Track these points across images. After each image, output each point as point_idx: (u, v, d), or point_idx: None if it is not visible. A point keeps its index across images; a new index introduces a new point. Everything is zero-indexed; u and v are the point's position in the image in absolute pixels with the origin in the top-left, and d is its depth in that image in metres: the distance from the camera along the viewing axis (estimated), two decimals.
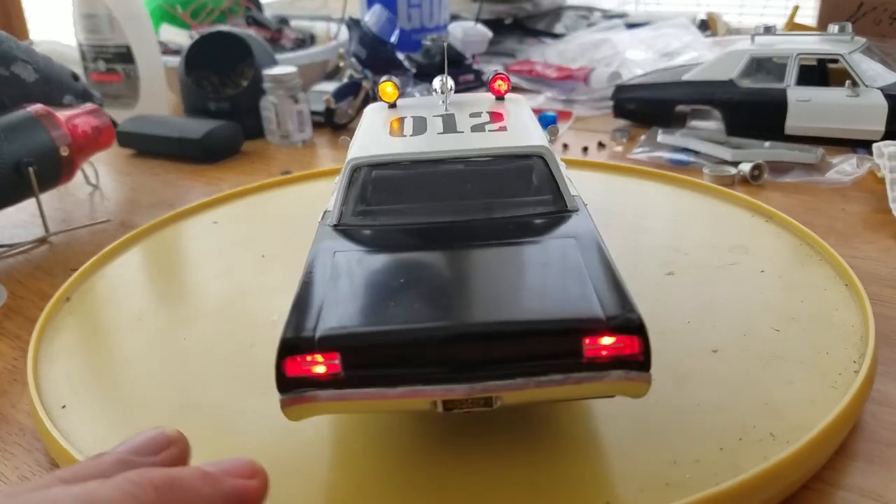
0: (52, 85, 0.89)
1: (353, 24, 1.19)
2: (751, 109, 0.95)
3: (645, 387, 0.37)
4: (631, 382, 0.36)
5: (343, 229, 0.47)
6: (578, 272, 0.40)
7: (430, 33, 1.34)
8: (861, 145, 0.90)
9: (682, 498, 0.36)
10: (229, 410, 0.47)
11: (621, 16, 1.69)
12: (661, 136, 0.97)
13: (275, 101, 1.04)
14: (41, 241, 0.77)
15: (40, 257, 0.74)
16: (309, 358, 0.36)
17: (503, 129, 0.52)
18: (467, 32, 1.30)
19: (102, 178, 0.94)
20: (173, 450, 0.34)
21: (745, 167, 0.84)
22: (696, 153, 0.92)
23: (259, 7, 1.48)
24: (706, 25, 1.55)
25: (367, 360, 0.36)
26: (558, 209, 0.48)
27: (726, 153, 0.89)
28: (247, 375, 0.50)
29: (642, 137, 0.99)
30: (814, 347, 0.50)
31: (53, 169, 0.76)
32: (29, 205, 0.77)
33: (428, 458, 0.42)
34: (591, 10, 1.73)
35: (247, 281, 0.64)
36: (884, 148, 0.78)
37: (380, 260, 0.43)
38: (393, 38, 1.15)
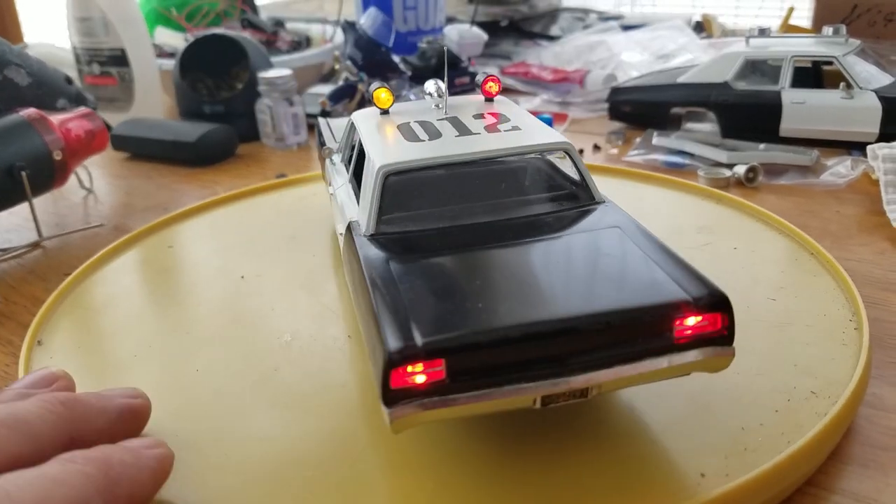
0: (46, 89, 0.89)
1: (349, 26, 1.19)
2: (745, 111, 0.95)
3: (729, 360, 0.38)
4: (717, 358, 0.38)
5: (383, 238, 0.46)
6: (643, 259, 0.42)
7: (426, 36, 1.34)
8: (855, 147, 0.90)
9: (767, 460, 0.38)
10: (227, 414, 0.47)
11: (617, 18, 1.69)
12: (657, 139, 0.97)
13: (270, 103, 1.03)
14: (34, 245, 0.77)
15: (33, 262, 0.74)
16: (413, 368, 0.35)
17: (516, 128, 0.52)
18: (463, 35, 1.30)
19: (96, 181, 0.94)
20: (61, 383, 0.42)
21: (740, 169, 0.84)
22: (692, 155, 0.92)
23: (254, 9, 1.48)
24: (701, 27, 1.55)
25: (472, 363, 0.36)
26: (589, 201, 0.49)
27: (721, 155, 0.89)
28: (242, 375, 0.50)
29: (637, 140, 0.99)
30: (807, 351, 0.50)
31: (47, 173, 0.76)
32: (22, 209, 0.76)
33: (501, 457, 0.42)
34: (586, 12, 1.73)
35: (244, 283, 0.64)
36: (878, 150, 0.78)
37: (442, 264, 0.43)
38: (389, 41, 1.15)
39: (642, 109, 1.06)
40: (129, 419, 0.41)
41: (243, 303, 0.61)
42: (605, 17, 1.70)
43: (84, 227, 0.81)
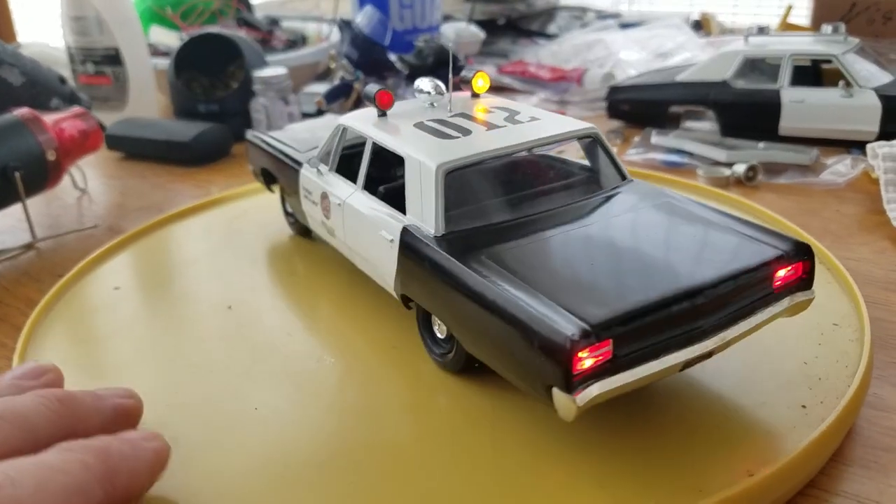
0: (39, 88, 0.88)
1: (345, 25, 1.18)
2: (745, 110, 0.95)
3: (810, 302, 0.44)
4: (803, 301, 0.44)
5: (456, 236, 0.46)
6: (716, 224, 0.46)
7: (423, 34, 1.33)
8: (855, 146, 0.90)
9: (770, 464, 0.38)
10: (221, 414, 0.46)
11: (615, 16, 1.69)
12: (655, 138, 0.96)
13: (265, 102, 1.03)
14: (28, 246, 0.76)
15: (27, 263, 0.73)
16: (589, 350, 0.36)
17: (534, 118, 0.54)
18: (460, 33, 1.29)
19: (90, 181, 0.93)
20: (50, 375, 0.43)
21: (740, 168, 0.83)
22: (690, 154, 0.92)
23: (249, 8, 1.47)
24: (700, 26, 1.55)
25: (634, 339, 0.38)
26: (623, 180, 0.53)
27: (720, 154, 0.88)
28: (235, 374, 0.50)
29: (636, 139, 0.99)
30: (809, 352, 0.49)
31: (40, 173, 0.75)
32: (15, 210, 0.76)
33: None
34: (584, 10, 1.72)
35: (239, 284, 0.63)
36: (878, 149, 0.78)
37: (539, 251, 0.45)
38: (385, 40, 1.14)
39: (641, 108, 1.05)
40: (123, 418, 0.42)
41: (239, 304, 0.60)
42: (602, 16, 1.70)
43: (78, 228, 0.80)
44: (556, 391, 0.37)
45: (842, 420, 0.41)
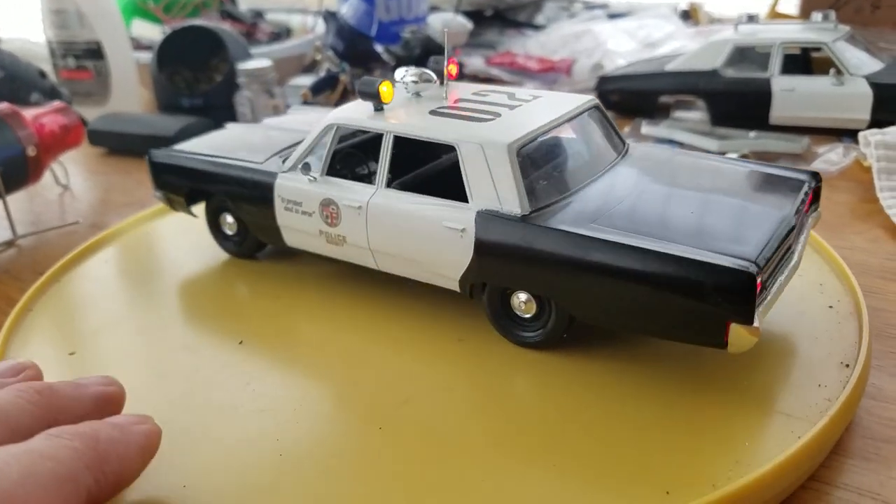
0: (19, 83, 0.87)
1: (330, 16, 1.17)
2: (735, 99, 0.94)
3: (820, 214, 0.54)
4: (817, 214, 0.53)
5: (546, 211, 0.47)
6: (743, 166, 0.54)
7: (409, 25, 1.32)
8: (846, 134, 0.89)
9: (772, 458, 0.37)
10: (207, 410, 0.45)
11: (602, 6, 1.68)
12: (646, 128, 0.95)
13: (250, 95, 1.01)
14: (8, 244, 0.74)
15: (7, 261, 0.72)
16: (760, 280, 0.40)
17: (535, 97, 0.55)
18: (447, 24, 1.28)
19: (73, 177, 0.92)
20: (29, 372, 0.42)
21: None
22: (681, 144, 0.91)
23: (233, 0, 1.46)
24: (688, 15, 1.54)
25: (767, 268, 0.42)
26: (626, 142, 0.57)
27: (712, 144, 0.87)
28: (222, 369, 0.48)
29: (626, 129, 0.98)
30: (809, 344, 0.48)
31: (20, 170, 0.74)
32: None
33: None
34: (571, 0, 1.71)
35: (223, 281, 0.62)
36: (870, 137, 0.77)
37: (638, 209, 0.47)
38: (371, 31, 1.13)
39: (630, 98, 1.04)
40: (105, 407, 0.40)
41: (224, 298, 0.59)
42: (590, 6, 1.69)
43: (60, 224, 0.79)
44: (734, 326, 0.40)
45: (843, 412, 0.41)
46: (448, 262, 0.50)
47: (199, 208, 0.66)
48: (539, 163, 0.49)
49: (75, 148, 0.82)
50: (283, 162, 0.58)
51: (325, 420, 0.44)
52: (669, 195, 0.49)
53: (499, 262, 0.47)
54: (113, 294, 0.61)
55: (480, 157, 0.47)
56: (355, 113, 0.55)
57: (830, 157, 0.83)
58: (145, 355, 0.52)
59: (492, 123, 0.50)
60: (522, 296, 0.49)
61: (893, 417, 0.44)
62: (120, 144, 1.01)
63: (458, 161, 0.49)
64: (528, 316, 0.49)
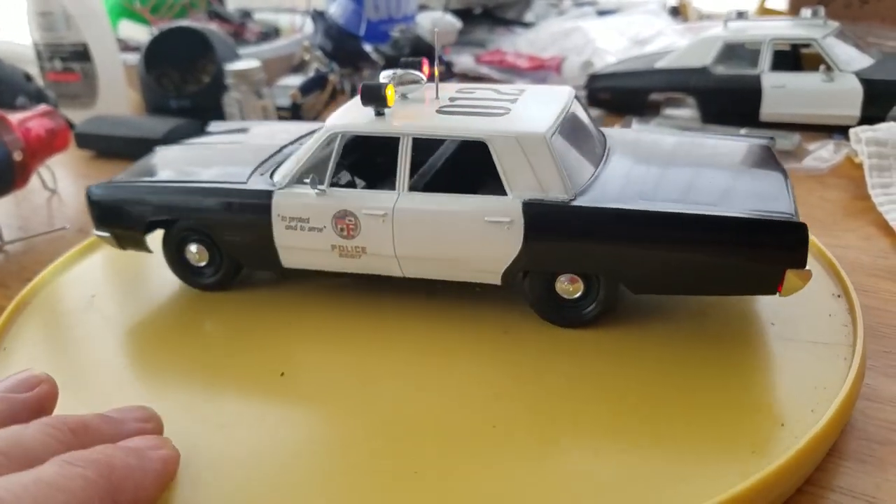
0: (4, 86, 0.86)
1: (319, 16, 1.16)
2: (725, 96, 0.94)
3: None
4: None
5: (589, 191, 0.50)
6: (707, 138, 0.61)
7: (398, 24, 1.31)
8: (837, 130, 0.89)
9: (772, 462, 0.37)
10: (203, 420, 0.45)
11: (591, 3, 1.67)
12: (636, 126, 0.95)
13: (238, 97, 1.00)
14: None
15: None
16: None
17: (521, 90, 0.57)
18: (436, 23, 1.28)
19: (60, 181, 0.91)
20: (44, 387, 0.40)
21: None
22: None
23: (221, 0, 1.45)
24: (677, 11, 1.54)
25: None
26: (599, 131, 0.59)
27: None
28: (215, 376, 0.48)
29: (617, 127, 0.97)
30: (802, 345, 0.48)
31: (6, 175, 0.73)
32: None
33: None
34: None
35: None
36: (861, 133, 0.77)
37: (668, 180, 0.51)
38: (360, 31, 1.13)
39: (621, 96, 1.04)
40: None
41: (215, 304, 0.59)
42: (579, 3, 1.68)
43: (47, 230, 0.78)
44: (789, 273, 0.46)
45: (839, 415, 0.40)
46: (491, 257, 0.51)
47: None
48: (564, 150, 0.50)
49: (62, 152, 0.81)
50: (271, 178, 0.56)
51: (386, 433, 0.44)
52: (675, 169, 0.53)
53: (551, 248, 0.49)
54: (103, 300, 0.61)
55: (517, 150, 0.49)
56: (355, 118, 0.53)
57: (821, 154, 0.83)
58: (136, 364, 0.52)
59: (510, 116, 0.51)
60: (568, 279, 0.51)
61: (889, 419, 0.44)
62: (107, 147, 1.01)
63: (472, 156, 0.52)
64: (576, 297, 0.51)
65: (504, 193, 0.49)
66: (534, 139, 0.48)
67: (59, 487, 0.30)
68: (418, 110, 0.53)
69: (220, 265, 0.59)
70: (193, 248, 0.59)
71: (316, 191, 0.53)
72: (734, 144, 0.58)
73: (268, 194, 0.54)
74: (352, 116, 0.54)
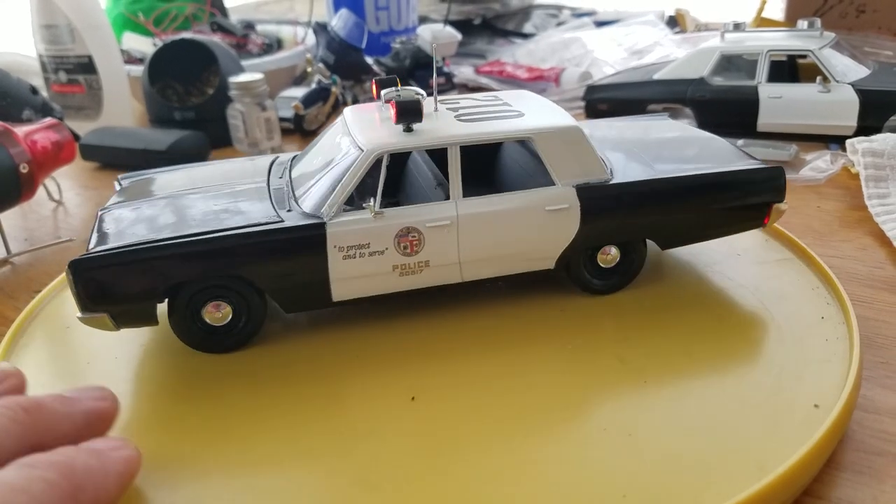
0: (10, 99, 0.86)
1: (321, 28, 1.17)
2: (722, 107, 0.95)
3: None
4: None
5: (620, 171, 0.58)
6: (643, 119, 0.74)
7: (399, 36, 1.32)
8: (833, 141, 0.90)
9: (768, 474, 0.38)
10: (207, 431, 0.45)
11: (590, 13, 1.68)
12: None
13: (242, 108, 1.01)
14: (2, 262, 0.74)
15: (2, 279, 0.72)
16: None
17: (508, 96, 0.62)
18: (437, 35, 1.29)
19: (66, 192, 0.92)
20: (11, 381, 0.40)
21: None
22: None
23: (224, 12, 1.46)
24: (675, 22, 1.55)
25: None
26: None
27: None
28: (219, 388, 0.49)
29: None
30: (798, 357, 0.49)
31: (13, 187, 0.74)
32: None
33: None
34: (559, 8, 1.72)
35: None
36: (857, 144, 0.78)
37: (665, 149, 0.63)
38: (361, 43, 1.14)
39: (619, 107, 1.05)
40: (96, 423, 0.39)
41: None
42: (578, 14, 1.69)
43: (54, 241, 0.79)
44: (776, 205, 0.58)
45: (836, 426, 0.41)
46: (551, 243, 0.55)
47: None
48: None
49: (68, 164, 0.82)
50: (301, 212, 0.53)
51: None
52: (649, 146, 0.62)
53: (601, 225, 0.55)
54: None
55: (559, 143, 0.54)
56: (389, 137, 0.53)
57: (818, 165, 0.84)
58: (143, 377, 0.52)
59: (536, 115, 0.56)
60: (613, 249, 0.58)
61: (885, 430, 0.44)
62: (112, 159, 1.01)
63: (498, 154, 0.60)
64: (614, 265, 0.58)
65: (544, 184, 0.55)
66: (573, 131, 0.55)
67: (19, 489, 0.31)
68: (439, 122, 0.54)
69: (247, 319, 0.54)
70: (214, 306, 0.53)
71: (374, 214, 0.52)
72: (654, 121, 0.71)
73: (319, 227, 0.51)
74: (383, 135, 0.53)
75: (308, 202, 0.53)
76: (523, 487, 0.39)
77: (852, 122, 0.88)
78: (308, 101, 1.09)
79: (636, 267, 0.59)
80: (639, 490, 0.39)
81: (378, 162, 0.52)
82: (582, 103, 1.09)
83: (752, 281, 0.59)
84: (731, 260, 0.63)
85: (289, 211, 0.53)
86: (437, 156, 0.59)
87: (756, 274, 0.60)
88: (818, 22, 0.96)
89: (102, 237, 0.52)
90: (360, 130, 0.55)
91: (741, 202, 0.57)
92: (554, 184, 0.54)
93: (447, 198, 0.53)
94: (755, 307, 0.55)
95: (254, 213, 0.53)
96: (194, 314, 0.53)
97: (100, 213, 0.56)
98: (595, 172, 0.55)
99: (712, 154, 0.60)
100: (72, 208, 0.89)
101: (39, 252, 0.77)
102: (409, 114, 0.52)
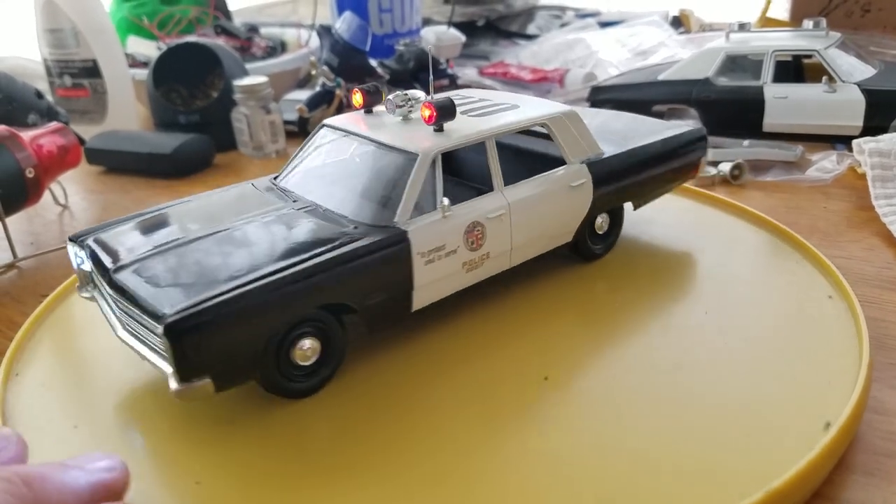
0: (16, 104, 0.87)
1: (325, 31, 1.17)
2: (728, 108, 0.95)
3: None
4: None
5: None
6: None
7: (403, 38, 1.32)
8: (839, 141, 0.90)
9: (778, 476, 0.37)
10: (219, 434, 0.45)
11: (594, 14, 1.68)
12: None
13: (246, 111, 1.02)
14: (9, 266, 0.74)
15: (8, 283, 0.72)
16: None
17: (489, 93, 0.66)
18: (440, 37, 1.29)
19: (71, 196, 0.92)
20: (11, 449, 0.37)
21: (725, 167, 0.83)
22: None
23: (228, 16, 1.46)
24: (679, 22, 1.55)
25: None
26: None
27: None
28: (229, 397, 0.49)
29: None
30: (808, 359, 0.49)
31: (19, 192, 0.74)
32: None
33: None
34: (563, 9, 1.72)
35: None
36: (864, 144, 0.78)
37: (619, 130, 0.69)
38: (365, 45, 1.14)
39: (624, 108, 1.04)
40: (104, 496, 0.36)
41: None
42: (581, 14, 1.69)
43: (60, 245, 0.79)
44: (701, 157, 0.68)
45: (846, 428, 0.41)
46: (573, 217, 0.61)
47: None
48: None
49: (73, 168, 0.82)
50: (366, 225, 0.50)
51: None
52: (607, 125, 0.70)
53: (604, 194, 0.61)
54: None
55: (568, 125, 0.60)
56: (429, 138, 0.53)
57: (824, 165, 0.84)
58: (150, 380, 0.52)
59: (529, 106, 0.60)
60: (603, 217, 0.64)
61: (895, 431, 0.44)
62: (117, 163, 1.02)
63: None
64: (604, 230, 0.65)
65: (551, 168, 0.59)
66: (574, 114, 0.60)
67: None
68: (456, 121, 0.55)
69: (331, 353, 0.50)
70: (307, 343, 0.48)
71: (444, 214, 0.51)
72: (596, 110, 0.82)
73: (402, 235, 0.50)
74: (420, 137, 0.53)
75: (365, 214, 0.51)
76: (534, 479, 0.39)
77: (858, 122, 0.88)
78: (312, 103, 1.09)
79: (619, 229, 0.66)
80: (645, 488, 0.38)
81: (437, 162, 0.52)
82: (587, 104, 1.09)
83: (759, 281, 0.59)
84: (737, 260, 0.63)
85: (356, 228, 0.50)
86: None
87: (763, 274, 0.60)
88: (823, 21, 0.95)
89: (164, 294, 0.44)
90: (392, 137, 0.54)
91: (685, 159, 0.67)
92: (566, 163, 0.59)
93: (492, 189, 0.55)
94: (762, 308, 0.55)
95: (322, 234, 0.50)
96: (284, 356, 0.47)
97: (117, 275, 0.47)
98: (594, 149, 0.61)
99: (653, 127, 0.68)
100: (77, 212, 0.89)
101: (45, 256, 0.77)
102: (445, 114, 0.53)
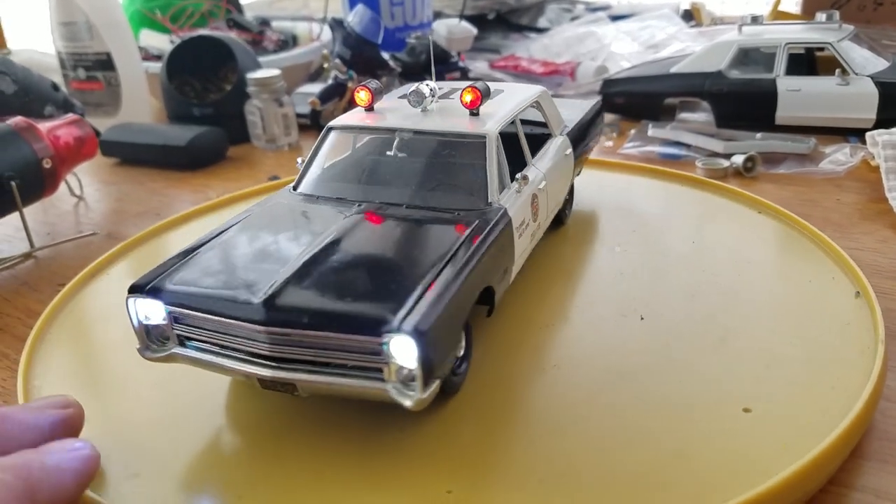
0: (32, 96, 0.87)
1: (337, 24, 1.18)
2: (740, 100, 0.95)
3: None
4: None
5: None
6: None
7: (414, 31, 1.33)
8: (852, 133, 0.90)
9: (794, 462, 0.38)
10: (227, 425, 0.46)
11: (605, 8, 1.68)
12: (652, 130, 0.96)
13: (259, 104, 1.02)
14: (26, 256, 0.75)
15: (26, 273, 0.73)
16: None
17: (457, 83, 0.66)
18: (452, 30, 1.29)
19: (87, 188, 0.93)
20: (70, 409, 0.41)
21: (738, 159, 0.83)
22: (688, 146, 0.92)
23: (239, 9, 1.46)
24: (690, 15, 1.55)
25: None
26: None
27: (718, 145, 0.88)
28: (239, 384, 0.49)
29: (632, 132, 0.98)
30: (824, 348, 0.49)
31: (36, 182, 0.74)
32: (12, 219, 0.75)
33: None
34: (574, 2, 1.72)
35: None
36: (877, 137, 0.78)
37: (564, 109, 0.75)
38: (377, 38, 1.14)
39: (636, 101, 1.05)
40: (63, 431, 0.40)
41: None
42: (592, 8, 1.69)
43: (76, 235, 0.80)
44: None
45: (861, 416, 0.41)
46: (566, 184, 0.67)
47: None
48: None
49: (89, 159, 0.83)
50: (464, 209, 0.50)
51: None
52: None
53: (576, 159, 0.69)
54: None
55: (549, 102, 0.66)
56: (482, 121, 0.54)
57: (837, 158, 0.84)
58: (167, 368, 0.53)
59: (515, 88, 0.65)
60: None
61: None
62: (132, 154, 1.02)
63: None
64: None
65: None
66: (548, 93, 0.66)
67: None
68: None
69: (470, 346, 0.48)
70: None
71: (518, 190, 0.54)
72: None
73: (504, 212, 0.50)
74: (468, 122, 0.54)
75: (456, 201, 0.51)
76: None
77: (871, 114, 0.88)
78: (325, 96, 1.09)
79: (573, 193, 0.72)
80: (664, 475, 0.39)
81: (500, 141, 0.54)
82: (598, 97, 1.09)
83: (774, 271, 0.59)
84: (754, 251, 0.63)
85: (458, 214, 0.49)
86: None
87: (778, 264, 0.60)
88: (836, 14, 0.95)
89: (361, 307, 0.40)
90: (447, 125, 0.54)
91: (602, 124, 0.80)
92: (552, 136, 0.65)
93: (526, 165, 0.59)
94: (779, 298, 0.55)
95: (440, 223, 0.49)
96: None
97: (277, 302, 0.41)
98: (562, 122, 0.68)
99: (582, 106, 0.76)
100: (92, 203, 0.90)
101: (62, 246, 0.78)
102: (486, 97, 0.56)
